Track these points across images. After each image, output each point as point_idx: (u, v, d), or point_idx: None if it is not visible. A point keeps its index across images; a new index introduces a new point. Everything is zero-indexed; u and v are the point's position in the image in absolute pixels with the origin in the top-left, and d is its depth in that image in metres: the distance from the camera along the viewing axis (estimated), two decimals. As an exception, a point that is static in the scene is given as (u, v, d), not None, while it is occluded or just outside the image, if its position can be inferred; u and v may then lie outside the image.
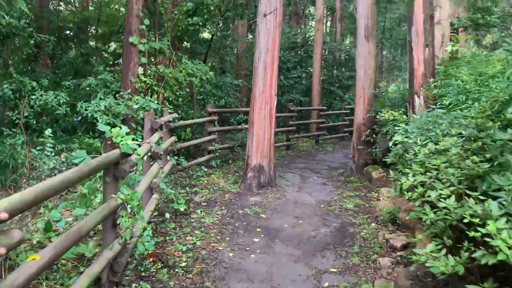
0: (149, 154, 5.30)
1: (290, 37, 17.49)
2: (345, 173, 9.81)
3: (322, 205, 7.09)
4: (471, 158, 3.42)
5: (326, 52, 17.88)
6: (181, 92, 9.26)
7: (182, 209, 5.97)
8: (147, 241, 4.51)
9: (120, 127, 3.69)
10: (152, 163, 5.85)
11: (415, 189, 3.51)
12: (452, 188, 3.30)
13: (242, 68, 15.24)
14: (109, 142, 3.51)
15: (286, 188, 8.12)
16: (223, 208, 6.64)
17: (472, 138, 3.81)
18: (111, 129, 3.59)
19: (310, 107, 16.03)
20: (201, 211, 6.31)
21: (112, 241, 3.57)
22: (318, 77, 16.03)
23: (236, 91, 15.16)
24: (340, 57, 16.78)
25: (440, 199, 3.16)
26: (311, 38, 17.41)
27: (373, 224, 6.10)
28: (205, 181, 8.25)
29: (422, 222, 3.40)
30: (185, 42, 12.58)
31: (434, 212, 3.21)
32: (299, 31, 18.66)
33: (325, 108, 14.63)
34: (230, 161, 10.31)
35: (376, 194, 7.82)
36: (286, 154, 12.25)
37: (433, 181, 3.51)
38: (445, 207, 3.07)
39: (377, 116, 9.23)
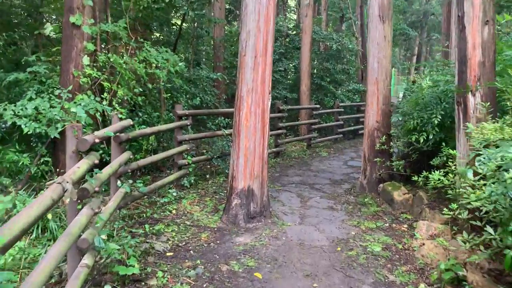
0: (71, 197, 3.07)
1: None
2: (353, 190, 7.78)
3: (339, 248, 5.03)
4: None
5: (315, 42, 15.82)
6: (140, 89, 6.99)
7: (133, 273, 3.80)
8: None
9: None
10: (80, 206, 3.63)
11: None
12: None
13: (220, 59, 13.03)
14: None
15: (285, 219, 6.01)
16: (198, 262, 4.47)
17: None
18: None
19: (298, 104, 13.96)
20: (164, 274, 4.12)
21: None
22: (308, 70, 13.97)
23: (213, 86, 12.95)
24: (332, 47, 14.77)
25: None
26: (299, 25, 15.29)
27: (423, 287, 4.08)
28: (174, 211, 6.05)
29: None
30: (151, 29, 10.28)
31: None
32: (283, 19, 16.52)
33: (318, 106, 12.59)
34: (207, 176, 8.12)
35: (406, 227, 5.81)
36: (276, 163, 10.15)
37: None
38: None
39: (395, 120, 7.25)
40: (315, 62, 15.39)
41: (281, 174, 9.04)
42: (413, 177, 6.24)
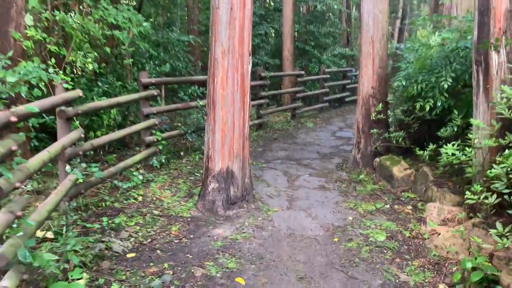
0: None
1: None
2: (345, 165, 6.98)
3: (336, 238, 4.23)
4: None
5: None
6: (95, 55, 5.88)
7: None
8: None
9: None
10: (-7, 210, 2.66)
11: None
12: None
13: (194, 22, 11.79)
14: None
15: (271, 203, 5.17)
16: (166, 266, 3.60)
17: None
18: None
19: (281, 71, 12.96)
20: (120, 286, 3.24)
21: None
22: (290, 34, 12.88)
23: (187, 52, 11.79)
24: (316, 8, 13.65)
25: None
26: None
27: (442, 288, 3.33)
28: (140, 198, 5.12)
29: None
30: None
31: None
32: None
33: (303, 72, 11.60)
34: (182, 154, 7.17)
35: (410, 208, 5.06)
36: (258, 136, 9.24)
37: None
38: None
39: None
40: (298, 25, 14.27)
41: (265, 149, 8.16)
42: (415, 150, 5.48)
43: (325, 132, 10.02)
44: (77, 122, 4.90)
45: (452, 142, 4.39)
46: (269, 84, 10.01)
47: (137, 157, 5.82)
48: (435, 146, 5.01)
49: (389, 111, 6.43)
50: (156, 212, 4.76)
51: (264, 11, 14.04)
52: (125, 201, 4.97)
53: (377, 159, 6.41)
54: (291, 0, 12.86)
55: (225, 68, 4.68)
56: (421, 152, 5.08)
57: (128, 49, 6.52)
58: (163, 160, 6.34)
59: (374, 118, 6.42)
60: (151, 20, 11.99)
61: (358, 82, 6.78)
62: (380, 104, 6.44)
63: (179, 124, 7.27)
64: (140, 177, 5.51)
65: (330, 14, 14.57)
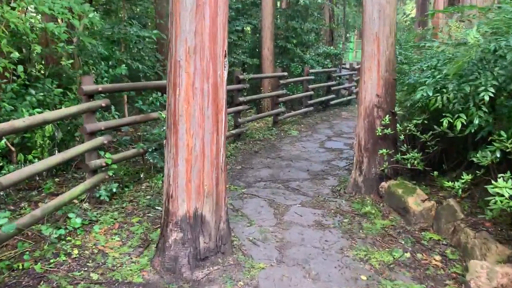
0: None
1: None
2: (343, 189, 5.73)
3: (350, 318, 2.96)
4: None
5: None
6: (18, 54, 4.42)
7: None
8: None
9: None
10: None
11: None
12: None
13: (162, 16, 10.32)
14: None
15: (255, 254, 3.86)
16: None
17: None
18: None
19: (260, 72, 11.66)
20: None
21: None
22: (270, 30, 11.58)
23: (155, 50, 10.32)
24: (298, 2, 12.39)
25: None
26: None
27: None
28: (75, 253, 3.71)
29: None
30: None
31: None
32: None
33: (285, 74, 10.30)
34: (141, 176, 5.78)
35: (438, 259, 3.84)
36: (236, 149, 7.91)
37: None
38: None
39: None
40: (279, 21, 13.00)
41: (244, 166, 6.84)
42: (433, 174, 4.32)
43: (312, 142, 8.78)
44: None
45: (501, 175, 3.21)
46: (248, 87, 8.67)
47: (77, 189, 4.40)
48: (470, 177, 3.83)
49: (398, 125, 5.22)
50: (94, 276, 3.37)
51: (241, 4, 12.69)
52: (52, 260, 3.56)
53: (384, 184, 5.19)
54: (271, -7, 11.56)
55: (190, 74, 3.33)
56: (452, 183, 3.90)
57: (68, 47, 5.08)
58: (115, 189, 4.94)
59: (380, 134, 5.20)
60: (112, 18, 10.50)
61: (359, 89, 5.54)
62: (387, 116, 5.22)
63: (142, 141, 5.86)
64: (78, 220, 4.09)
65: (314, 9, 13.32)
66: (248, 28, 13.96)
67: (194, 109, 3.38)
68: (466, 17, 4.61)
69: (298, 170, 6.71)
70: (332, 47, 13.72)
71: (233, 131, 8.09)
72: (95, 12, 5.51)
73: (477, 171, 3.85)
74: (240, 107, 8.25)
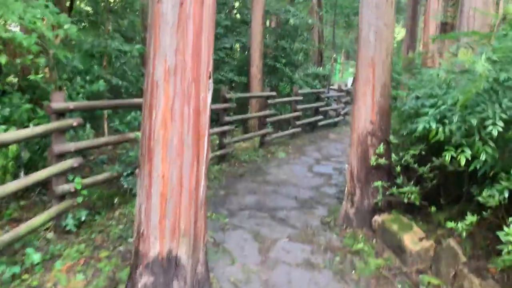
0: None
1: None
2: (333, 221, 5.34)
3: None
4: None
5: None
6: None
7: None
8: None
9: None
10: None
11: None
12: None
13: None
14: None
15: (236, 301, 3.43)
16: None
17: None
18: None
19: (248, 90, 11.35)
20: None
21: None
22: (259, 49, 11.32)
23: (141, 65, 9.92)
24: (288, 22, 12.20)
25: None
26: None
27: None
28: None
29: None
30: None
31: None
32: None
33: (274, 93, 9.99)
34: (115, 202, 5.30)
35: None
36: (221, 171, 7.49)
37: None
38: None
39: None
40: (268, 40, 12.77)
41: (228, 192, 6.42)
42: (430, 210, 4.00)
43: (300, 166, 8.42)
44: None
45: (512, 220, 2.89)
46: (235, 106, 8.31)
47: (39, 219, 3.92)
48: (475, 218, 3.50)
49: (393, 155, 4.89)
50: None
51: (230, 22, 12.43)
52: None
53: (377, 218, 4.83)
54: (261, 13, 11.33)
55: (169, 97, 2.95)
56: (452, 223, 3.57)
57: (39, 59, 4.65)
58: (84, 217, 4.46)
59: (373, 164, 4.86)
60: (100, 29, 10.08)
61: (352, 115, 5.22)
62: (382, 145, 4.90)
63: (117, 162, 5.41)
64: (37, 256, 3.60)
65: (304, 29, 13.14)
66: (237, 46, 13.70)
67: (172, 135, 2.98)
68: (469, 43, 4.34)
69: (285, 197, 6.32)
70: (321, 68, 13.53)
71: (218, 152, 7.69)
72: (74, 24, 5.11)
73: (483, 211, 3.52)
74: (226, 127, 7.87)
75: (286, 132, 11.01)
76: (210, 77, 3.13)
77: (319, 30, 15.08)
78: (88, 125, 5.51)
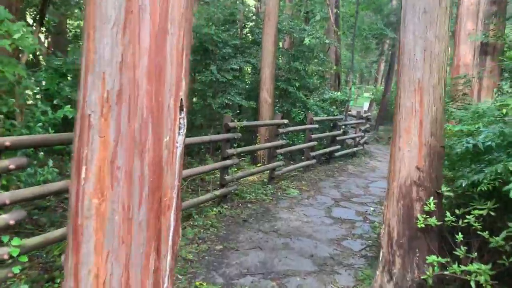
0: None
1: (223, 9, 11.39)
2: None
3: None
4: None
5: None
6: None
7: None
8: None
9: None
10: None
11: None
12: None
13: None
14: None
15: None
16: None
17: None
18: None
19: (257, 116, 10.19)
20: None
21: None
22: (271, 71, 10.20)
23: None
24: (303, 42, 11.11)
25: None
26: (259, 14, 11.49)
27: None
28: None
29: None
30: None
31: None
32: (237, 2, 12.63)
33: (286, 121, 8.76)
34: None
35: None
36: (220, 216, 6.21)
37: None
38: None
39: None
40: (281, 61, 11.66)
41: (227, 246, 5.12)
42: None
43: (316, 208, 7.10)
44: None
45: None
46: (240, 136, 7.09)
47: None
48: None
49: (447, 213, 3.59)
50: None
51: (240, 42, 11.38)
52: None
53: (428, 303, 3.49)
54: (273, 31, 10.27)
55: (109, 142, 1.73)
56: None
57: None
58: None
59: (421, 225, 3.56)
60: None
61: (391, 157, 3.94)
62: (432, 199, 3.61)
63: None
64: None
65: (319, 49, 12.02)
66: (248, 68, 12.63)
67: (113, 209, 1.75)
68: None
69: (299, 255, 5.00)
70: (339, 93, 12.33)
71: (218, 192, 6.43)
72: (33, 34, 3.99)
73: None
74: (229, 162, 6.63)
75: (299, 164, 9.73)
76: (182, 109, 1.91)
77: (337, 52, 13.95)
78: (50, 162, 4.32)
